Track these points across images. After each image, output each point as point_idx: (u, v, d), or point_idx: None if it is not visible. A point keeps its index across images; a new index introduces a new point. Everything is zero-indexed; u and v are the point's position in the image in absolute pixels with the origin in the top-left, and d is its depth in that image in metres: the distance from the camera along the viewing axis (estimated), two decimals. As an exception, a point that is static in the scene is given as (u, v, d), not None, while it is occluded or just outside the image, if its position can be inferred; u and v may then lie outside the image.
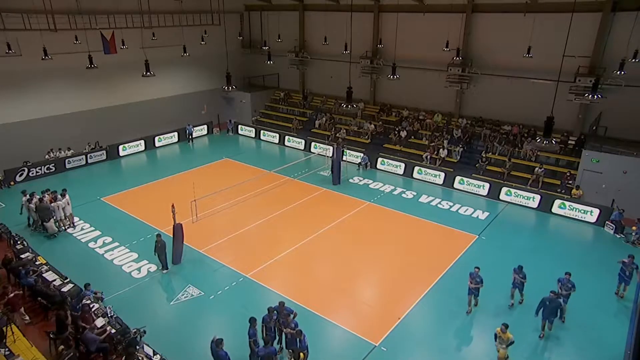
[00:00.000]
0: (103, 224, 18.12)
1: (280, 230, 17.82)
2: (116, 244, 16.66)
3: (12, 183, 21.97)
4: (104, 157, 25.88)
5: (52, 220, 17.01)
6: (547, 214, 19.42)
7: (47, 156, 23.82)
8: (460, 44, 24.13)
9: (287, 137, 29.11)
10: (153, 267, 15.15)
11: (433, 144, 24.38)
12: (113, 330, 11.01)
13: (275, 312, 10.98)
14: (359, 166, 24.78)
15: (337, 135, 27.50)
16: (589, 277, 14.26)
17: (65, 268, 14.14)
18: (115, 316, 11.59)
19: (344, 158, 24.22)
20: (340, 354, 11.56)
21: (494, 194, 20.82)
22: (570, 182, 20.20)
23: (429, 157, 23.86)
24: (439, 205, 20.20)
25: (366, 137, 27.37)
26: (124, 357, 9.86)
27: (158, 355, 10.34)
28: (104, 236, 17.20)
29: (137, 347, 10.37)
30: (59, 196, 17.50)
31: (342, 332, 12.19)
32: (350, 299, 13.74)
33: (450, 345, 11.81)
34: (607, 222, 17.91)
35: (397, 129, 26.42)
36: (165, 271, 14.91)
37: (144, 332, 10.93)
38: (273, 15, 32.53)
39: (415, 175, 23.29)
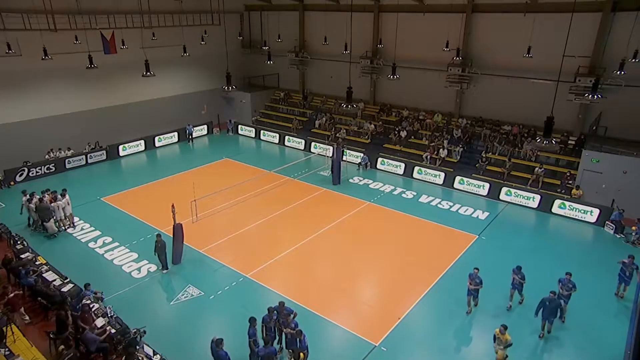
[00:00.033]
0: (103, 224, 18.12)
1: (280, 230, 17.82)
2: (116, 244, 16.66)
3: (12, 183, 21.97)
4: (104, 157, 25.88)
5: (52, 220, 17.01)
6: (547, 214, 19.43)
7: (47, 156, 23.82)
8: (460, 44, 24.13)
9: (287, 137, 29.11)
10: (153, 267, 15.15)
11: (433, 144, 24.38)
12: (113, 330, 11.01)
13: (275, 312, 10.98)
14: (359, 166, 24.78)
15: (337, 135, 27.50)
16: (589, 277, 14.25)
17: (65, 268, 14.14)
18: (115, 316, 11.59)
19: (344, 158, 24.22)
20: (340, 354, 11.56)
21: (494, 194, 20.82)
22: (570, 182, 20.20)
23: (429, 157, 23.87)
24: (439, 205, 20.20)
25: (366, 137, 27.37)
26: (124, 357, 9.85)
27: (158, 355, 10.34)
28: (104, 236, 17.20)
29: (137, 347, 10.37)
30: (59, 196, 17.50)
31: (342, 332, 12.19)
32: (350, 299, 13.74)
33: (450, 345, 11.81)
34: (607, 222, 17.91)
35: (397, 129, 26.42)
36: (165, 271, 14.91)
37: (144, 332, 10.93)
38: (273, 15, 32.53)
39: (415, 175, 23.29)
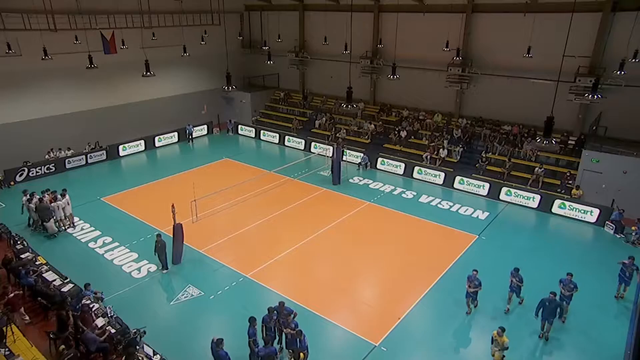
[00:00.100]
0: (103, 224, 18.12)
1: (280, 230, 17.82)
2: (116, 244, 16.66)
3: (12, 183, 21.97)
4: (104, 157, 25.88)
5: (52, 220, 17.01)
6: (547, 214, 19.42)
7: (47, 156, 23.82)
8: (460, 44, 24.13)
9: (287, 137, 29.11)
10: (153, 267, 15.15)
11: (433, 144, 24.38)
12: (113, 330, 11.01)
13: (275, 312, 10.98)
14: (359, 166, 24.78)
15: (337, 135, 27.50)
16: (589, 277, 14.24)
17: (65, 268, 14.14)
18: (115, 316, 11.59)
19: (344, 158, 24.22)
20: (340, 354, 11.56)
21: (494, 194, 20.82)
22: (570, 182, 20.20)
23: (429, 157, 23.87)
24: (439, 205, 20.20)
25: (366, 137, 27.37)
26: (124, 357, 9.85)
27: (158, 355, 10.34)
28: (104, 236, 17.20)
29: (137, 347, 10.37)
30: (59, 196, 17.51)
31: (342, 332, 12.19)
32: (350, 299, 13.74)
33: (450, 346, 11.81)
34: (607, 222, 17.91)
35: (397, 129, 26.42)
36: (165, 271, 14.92)
37: (144, 332, 10.92)
38: (273, 15, 32.53)
39: (415, 175, 23.29)
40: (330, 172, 22.95)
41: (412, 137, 26.01)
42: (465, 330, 12.43)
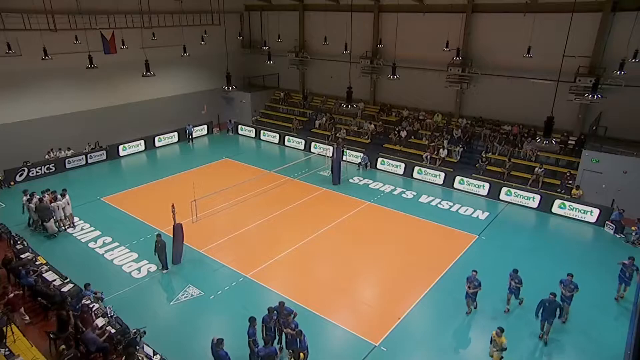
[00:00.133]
0: (103, 224, 18.12)
1: (280, 230, 17.82)
2: (116, 244, 16.66)
3: (12, 183, 21.97)
4: (104, 157, 25.88)
5: (52, 220, 17.01)
6: (547, 214, 19.42)
7: (47, 156, 23.82)
8: (460, 44, 24.13)
9: (287, 137, 29.11)
10: (153, 267, 15.15)
11: (433, 144, 24.38)
12: (113, 330, 11.01)
13: (275, 312, 10.98)
14: (359, 166, 24.78)
15: (337, 135, 27.50)
16: (589, 277, 14.23)
17: (65, 268, 14.14)
18: (115, 316, 11.59)
19: (344, 158, 24.22)
20: (340, 354, 11.56)
21: (494, 194, 20.82)
22: (570, 182, 20.20)
23: (429, 157, 23.87)
24: (439, 205, 20.20)
25: (366, 137, 27.37)
26: (124, 357, 9.84)
27: (158, 355, 10.34)
28: (104, 236, 17.20)
29: (137, 347, 10.37)
30: (59, 196, 17.51)
31: (342, 332, 12.19)
32: (350, 299, 13.74)
33: (450, 346, 11.81)
34: (607, 222, 17.91)
35: (397, 129, 26.42)
36: (165, 271, 14.92)
37: (144, 332, 10.92)
38: (273, 15, 32.53)
39: (415, 175, 23.29)
40: (330, 172, 22.95)
41: (412, 137, 26.01)
42: (465, 330, 12.43)
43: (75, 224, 18.03)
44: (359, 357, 11.28)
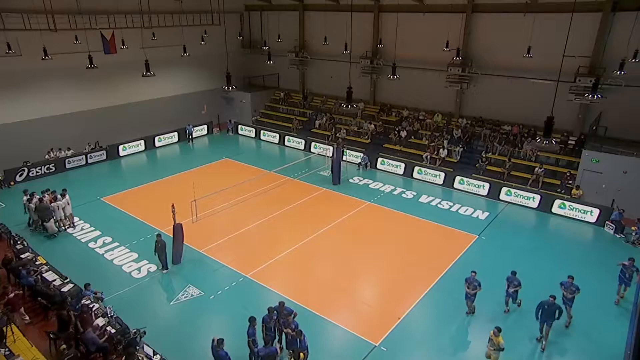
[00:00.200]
0: (103, 224, 18.12)
1: (280, 230, 17.82)
2: (116, 244, 16.66)
3: (12, 183, 21.97)
4: (104, 157, 25.88)
5: (52, 220, 17.01)
6: (547, 214, 19.42)
7: (47, 156, 23.82)
8: (460, 44, 24.13)
9: (287, 137, 29.11)
10: (153, 267, 15.15)
11: (433, 144, 24.38)
12: (113, 330, 11.01)
13: (275, 312, 10.98)
14: (359, 166, 24.78)
15: (337, 135, 27.50)
16: (589, 277, 14.23)
17: (65, 268, 14.14)
18: (115, 316, 11.59)
19: (344, 158, 24.22)
20: (340, 354, 11.56)
21: (494, 194, 20.82)
22: (570, 182, 20.20)
23: (429, 157, 23.87)
24: (439, 205, 20.20)
25: (366, 137, 27.37)
26: (124, 357, 9.85)
27: (158, 355, 10.34)
28: (104, 236, 17.20)
29: (137, 347, 10.37)
30: (59, 196, 17.51)
31: (342, 332, 12.19)
32: (350, 299, 13.74)
33: (450, 346, 11.81)
34: (607, 222, 17.91)
35: (397, 129, 26.42)
36: (165, 271, 14.92)
37: (144, 332, 10.92)
38: (273, 15, 32.53)
39: (415, 175, 23.29)
40: (330, 172, 22.95)
41: (412, 137, 26.01)
42: (465, 331, 12.43)
43: (75, 224, 18.03)
44: (359, 357, 11.28)
